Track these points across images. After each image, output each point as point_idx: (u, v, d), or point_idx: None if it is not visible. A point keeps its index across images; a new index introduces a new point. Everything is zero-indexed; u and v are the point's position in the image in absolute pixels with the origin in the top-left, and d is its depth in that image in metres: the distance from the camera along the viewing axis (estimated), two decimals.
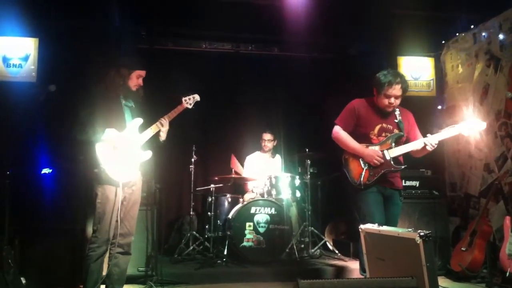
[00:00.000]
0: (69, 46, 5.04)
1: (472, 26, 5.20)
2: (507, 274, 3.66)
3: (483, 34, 5.01)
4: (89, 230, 3.48)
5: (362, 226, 3.14)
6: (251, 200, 4.84)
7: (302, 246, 5.02)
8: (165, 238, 5.32)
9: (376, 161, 3.35)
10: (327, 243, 5.17)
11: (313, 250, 4.99)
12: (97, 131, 3.06)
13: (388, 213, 3.44)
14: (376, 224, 3.09)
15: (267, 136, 5.58)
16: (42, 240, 3.78)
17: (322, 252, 5.08)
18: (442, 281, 4.09)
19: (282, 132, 5.76)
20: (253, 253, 4.61)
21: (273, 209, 4.74)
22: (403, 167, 3.44)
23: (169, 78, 5.32)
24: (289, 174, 5.13)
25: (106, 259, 3.23)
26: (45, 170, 3.98)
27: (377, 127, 3.47)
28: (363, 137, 3.47)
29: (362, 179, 3.39)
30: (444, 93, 5.74)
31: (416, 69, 5.88)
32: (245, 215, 4.69)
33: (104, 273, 3.22)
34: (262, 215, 4.71)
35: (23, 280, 3.45)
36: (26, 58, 4.99)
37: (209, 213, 4.87)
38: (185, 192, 5.72)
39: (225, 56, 5.93)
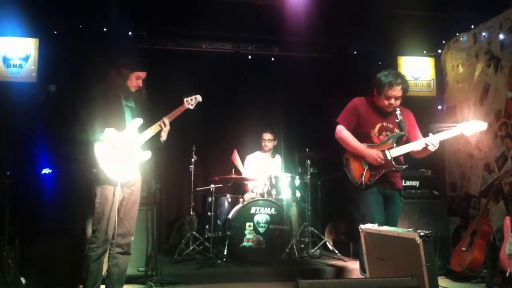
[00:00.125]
0: (69, 46, 5.05)
1: (472, 26, 5.21)
2: (507, 274, 3.66)
3: (483, 34, 5.01)
4: (89, 230, 3.47)
5: (362, 226, 3.14)
6: (251, 200, 4.84)
7: (302, 246, 5.02)
8: (165, 238, 5.31)
9: (377, 161, 3.34)
10: (327, 243, 5.16)
11: (313, 250, 4.99)
12: (97, 130, 3.06)
13: (388, 213, 3.44)
14: (376, 224, 3.08)
15: (267, 136, 5.57)
16: (42, 240, 3.77)
17: (322, 252, 5.07)
18: (442, 281, 4.09)
19: (282, 132, 5.75)
20: (253, 253, 4.61)
21: (273, 209, 4.74)
22: (404, 167, 3.43)
23: (169, 78, 5.32)
24: (289, 174, 5.13)
25: (106, 259, 3.24)
26: (45, 170, 3.98)
27: (378, 126, 3.46)
28: (364, 136, 3.46)
29: (363, 179, 3.39)
30: (445, 93, 5.75)
31: (416, 69, 5.89)
32: (245, 215, 4.68)
33: (104, 273, 3.22)
34: (262, 215, 4.70)
35: (23, 280, 3.45)
36: (26, 58, 5.00)
37: (209, 213, 4.87)
38: (185, 192, 5.71)
39: (225, 56, 5.94)
